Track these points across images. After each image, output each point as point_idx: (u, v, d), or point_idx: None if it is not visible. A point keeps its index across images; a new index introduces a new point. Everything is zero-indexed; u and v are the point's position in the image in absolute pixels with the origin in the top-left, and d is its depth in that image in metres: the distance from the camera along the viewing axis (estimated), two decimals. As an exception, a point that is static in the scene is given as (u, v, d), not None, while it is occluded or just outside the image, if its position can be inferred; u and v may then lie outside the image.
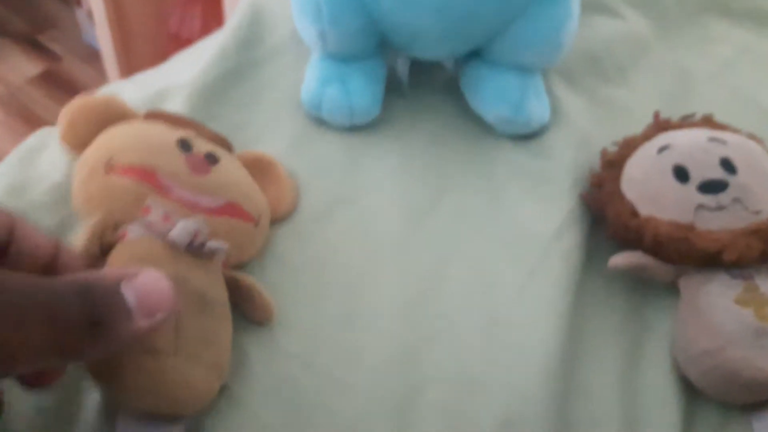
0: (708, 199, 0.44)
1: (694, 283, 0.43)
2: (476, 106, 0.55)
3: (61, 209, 0.43)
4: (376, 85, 0.54)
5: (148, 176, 0.39)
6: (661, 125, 0.50)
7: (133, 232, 0.37)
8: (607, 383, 0.41)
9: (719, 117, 0.50)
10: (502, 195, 0.50)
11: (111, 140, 0.41)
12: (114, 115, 0.44)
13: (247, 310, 0.41)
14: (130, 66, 1.35)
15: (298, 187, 0.49)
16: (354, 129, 0.54)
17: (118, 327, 0.27)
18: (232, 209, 0.41)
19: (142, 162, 0.40)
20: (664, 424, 0.40)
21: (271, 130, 0.53)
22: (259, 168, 0.47)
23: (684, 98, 0.58)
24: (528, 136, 0.54)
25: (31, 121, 1.56)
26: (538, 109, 0.54)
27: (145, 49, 1.35)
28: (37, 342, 0.25)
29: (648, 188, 0.46)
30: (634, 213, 0.45)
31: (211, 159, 0.43)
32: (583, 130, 0.54)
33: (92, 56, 1.64)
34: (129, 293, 0.28)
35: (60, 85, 1.66)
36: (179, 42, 1.26)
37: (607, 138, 0.52)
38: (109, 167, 0.39)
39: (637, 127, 0.51)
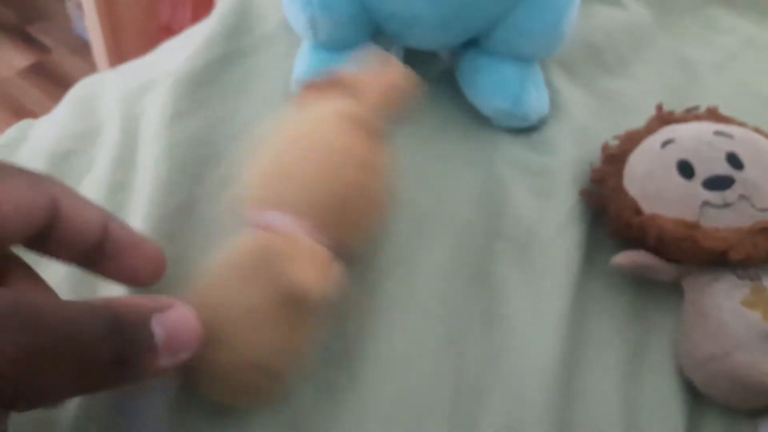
0: (714, 196, 0.42)
1: (699, 283, 0.41)
2: (473, 98, 0.53)
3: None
4: (369, 76, 0.52)
5: None
6: (664, 118, 0.48)
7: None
8: (609, 388, 0.40)
9: (724, 109, 0.49)
10: (500, 190, 0.48)
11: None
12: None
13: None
14: (120, 57, 1.33)
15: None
16: (346, 121, 0.52)
17: (143, 364, 0.26)
18: None
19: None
20: (667, 431, 0.39)
21: (258, 122, 0.51)
22: None
23: (687, 90, 0.56)
24: (526, 130, 0.52)
25: (21, 113, 1.54)
26: (537, 102, 0.52)
27: (135, 40, 1.34)
28: (65, 380, 0.24)
29: (651, 184, 0.44)
30: (637, 210, 0.43)
31: None
32: (583, 123, 0.52)
33: (82, 48, 1.62)
34: (159, 329, 0.26)
35: (50, 77, 1.64)
36: (170, 33, 1.23)
37: (609, 131, 0.50)
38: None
39: (639, 120, 0.49)
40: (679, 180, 0.43)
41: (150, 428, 0.31)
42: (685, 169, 0.43)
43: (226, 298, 0.32)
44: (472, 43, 0.53)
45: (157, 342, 0.26)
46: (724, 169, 0.42)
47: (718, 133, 0.45)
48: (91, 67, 1.52)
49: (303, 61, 0.52)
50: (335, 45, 0.51)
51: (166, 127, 0.47)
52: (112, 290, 0.37)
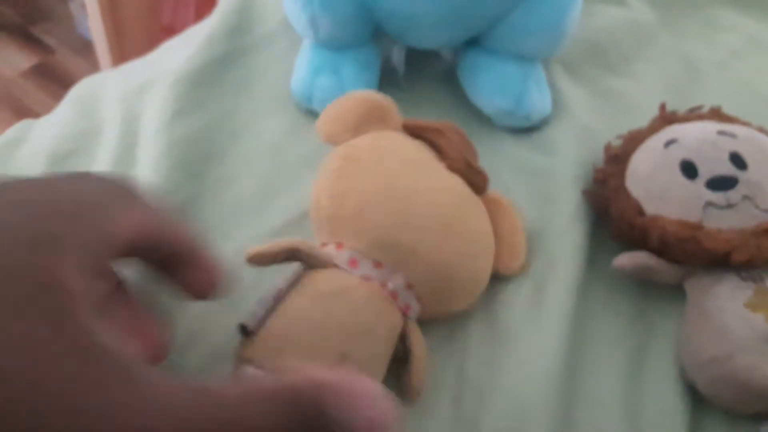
0: (717, 197, 0.41)
1: (701, 285, 0.41)
2: (475, 97, 0.53)
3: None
4: (370, 75, 0.52)
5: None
6: (667, 118, 0.48)
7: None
8: (611, 390, 0.39)
9: (727, 109, 0.48)
10: (500, 191, 0.48)
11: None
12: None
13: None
14: (123, 58, 1.32)
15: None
16: (346, 121, 0.52)
17: None
18: None
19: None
20: (669, 434, 0.38)
21: (259, 121, 0.50)
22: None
23: (690, 89, 0.56)
24: (528, 129, 0.52)
25: (23, 113, 1.54)
26: (539, 101, 0.52)
27: (138, 41, 1.33)
28: None
29: (654, 185, 0.43)
30: (640, 211, 0.43)
31: None
32: (585, 123, 0.52)
33: (85, 48, 1.62)
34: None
35: (53, 77, 1.64)
36: (172, 34, 1.23)
37: (611, 131, 0.49)
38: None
39: (642, 120, 0.49)
40: (682, 180, 0.42)
41: None
42: (689, 169, 0.43)
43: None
44: (474, 42, 0.52)
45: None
46: (727, 169, 0.42)
47: (721, 132, 0.44)
48: (94, 68, 1.52)
49: (304, 60, 0.51)
50: (336, 44, 0.51)
51: (167, 126, 0.47)
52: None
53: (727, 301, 0.39)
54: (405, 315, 0.36)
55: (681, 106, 0.49)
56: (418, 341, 0.36)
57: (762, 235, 0.40)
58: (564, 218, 0.45)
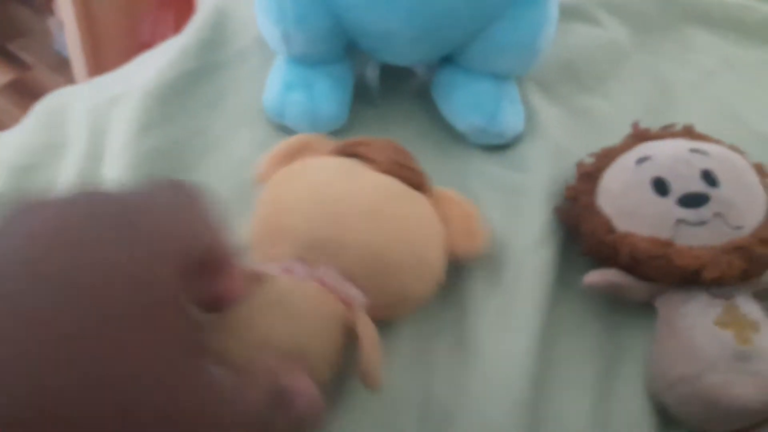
0: (688, 214, 0.41)
1: (672, 302, 0.41)
2: (448, 114, 0.53)
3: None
4: (344, 91, 0.52)
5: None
6: (640, 135, 0.48)
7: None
8: (580, 410, 0.39)
9: (700, 128, 0.48)
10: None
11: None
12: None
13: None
14: (100, 74, 1.31)
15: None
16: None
17: None
18: None
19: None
20: (639, 454, 0.38)
21: (230, 136, 0.50)
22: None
23: (664, 109, 0.56)
24: (501, 147, 0.52)
25: (-1, 130, 1.52)
26: (512, 119, 0.51)
27: (116, 58, 1.32)
28: None
29: (625, 202, 0.43)
30: (610, 228, 0.43)
31: None
32: (558, 141, 0.51)
33: (62, 65, 1.60)
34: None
35: (29, 94, 1.62)
36: (151, 50, 1.22)
37: (584, 149, 0.49)
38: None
39: (615, 138, 0.49)
40: (653, 197, 0.42)
41: None
42: (660, 187, 0.42)
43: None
44: (448, 60, 0.52)
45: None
46: (699, 186, 0.42)
47: (693, 150, 0.44)
48: (70, 84, 1.50)
49: (276, 76, 0.51)
50: (309, 60, 0.50)
51: (134, 140, 0.46)
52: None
53: (696, 319, 0.39)
54: (349, 305, 0.36)
55: (655, 125, 0.49)
56: (365, 329, 0.36)
57: (733, 253, 0.40)
58: (534, 235, 0.45)
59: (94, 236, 0.22)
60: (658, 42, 0.63)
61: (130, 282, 0.22)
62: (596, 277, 0.42)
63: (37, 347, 0.20)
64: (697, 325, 0.39)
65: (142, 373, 0.21)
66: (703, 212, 0.41)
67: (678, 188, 0.42)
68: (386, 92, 0.55)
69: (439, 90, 0.53)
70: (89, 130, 0.48)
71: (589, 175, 0.46)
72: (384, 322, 0.40)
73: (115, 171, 0.44)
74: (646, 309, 0.42)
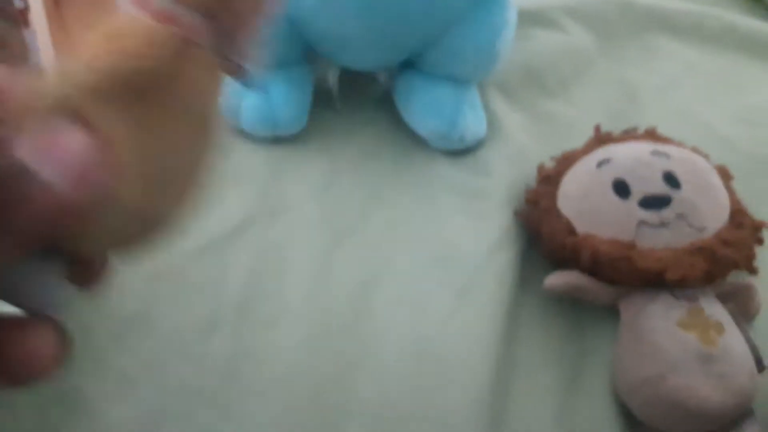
0: (650, 215, 0.40)
1: (635, 305, 0.40)
2: (409, 119, 0.52)
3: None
4: (302, 95, 0.51)
5: None
6: (601, 138, 0.47)
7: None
8: (542, 416, 0.38)
9: (664, 133, 0.47)
10: (434, 213, 0.47)
11: None
12: None
13: None
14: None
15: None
16: (278, 141, 0.50)
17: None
18: None
19: None
20: (603, 460, 0.36)
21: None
22: None
23: (628, 114, 0.55)
24: (464, 152, 0.51)
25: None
26: (473, 124, 0.51)
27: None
28: None
29: (586, 204, 0.42)
30: (571, 231, 0.42)
31: None
32: (520, 146, 0.51)
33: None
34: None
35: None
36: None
37: (547, 154, 0.49)
38: None
39: (578, 143, 0.48)
40: (614, 199, 0.41)
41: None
42: (621, 189, 0.42)
43: None
44: (409, 65, 0.52)
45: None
46: (660, 188, 0.41)
47: (655, 152, 0.43)
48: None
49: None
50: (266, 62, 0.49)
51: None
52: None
53: (659, 321, 0.38)
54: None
55: (618, 130, 0.49)
56: None
57: (696, 254, 0.39)
58: (495, 239, 0.44)
59: None
60: (623, 48, 0.63)
61: None
62: (557, 279, 0.41)
63: None
64: (660, 327, 0.38)
65: None
66: (665, 214, 0.40)
67: (639, 190, 0.41)
68: (348, 98, 0.54)
69: (400, 95, 0.52)
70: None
71: (550, 179, 0.45)
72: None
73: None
74: (611, 312, 0.41)
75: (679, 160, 0.43)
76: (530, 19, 0.61)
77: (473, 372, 0.38)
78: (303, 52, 0.50)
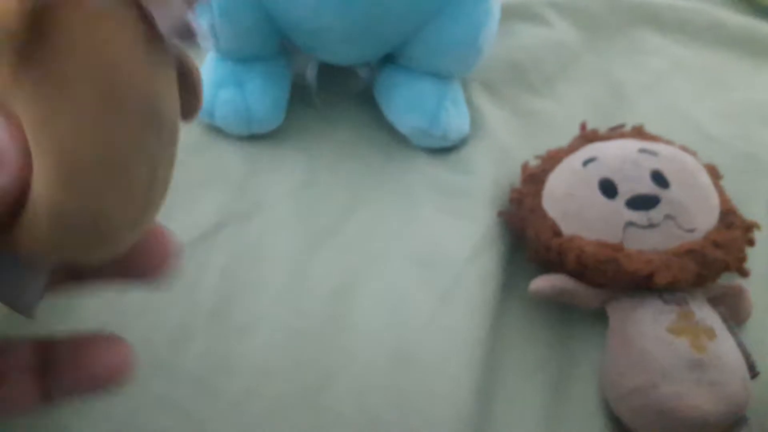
0: (638, 216, 0.39)
1: (623, 309, 0.38)
2: (390, 115, 0.50)
3: None
4: (279, 90, 0.49)
5: None
6: (588, 136, 0.46)
7: None
8: (528, 424, 0.36)
9: (652, 131, 0.46)
10: (415, 213, 0.45)
11: None
12: None
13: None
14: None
15: None
16: (254, 138, 0.48)
17: None
18: None
19: None
20: (591, 471, 0.35)
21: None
22: None
23: (615, 111, 0.54)
24: (446, 149, 0.49)
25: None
26: (456, 121, 0.49)
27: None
28: None
29: (572, 204, 0.41)
30: (557, 232, 0.40)
31: None
32: (504, 144, 0.49)
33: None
34: None
35: None
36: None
37: (532, 152, 0.47)
38: None
39: (564, 141, 0.46)
40: (601, 199, 0.40)
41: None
42: (608, 188, 0.40)
43: None
44: (390, 60, 0.50)
45: None
46: (648, 187, 0.40)
47: (642, 150, 0.42)
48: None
49: (206, 72, 0.48)
50: (239, 55, 0.47)
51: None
52: None
53: (649, 326, 0.37)
54: None
55: (605, 127, 0.47)
56: None
57: (685, 256, 0.38)
58: (479, 240, 0.42)
59: None
60: (610, 44, 0.61)
61: None
62: (542, 283, 0.39)
63: None
64: (650, 333, 0.36)
65: None
66: (654, 214, 0.39)
67: (626, 190, 0.40)
68: (327, 93, 0.52)
69: (381, 90, 0.50)
70: None
71: (535, 178, 0.44)
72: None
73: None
74: (599, 316, 0.40)
75: (667, 158, 0.42)
76: (514, 13, 0.59)
77: (456, 379, 0.36)
78: (279, 45, 0.48)
